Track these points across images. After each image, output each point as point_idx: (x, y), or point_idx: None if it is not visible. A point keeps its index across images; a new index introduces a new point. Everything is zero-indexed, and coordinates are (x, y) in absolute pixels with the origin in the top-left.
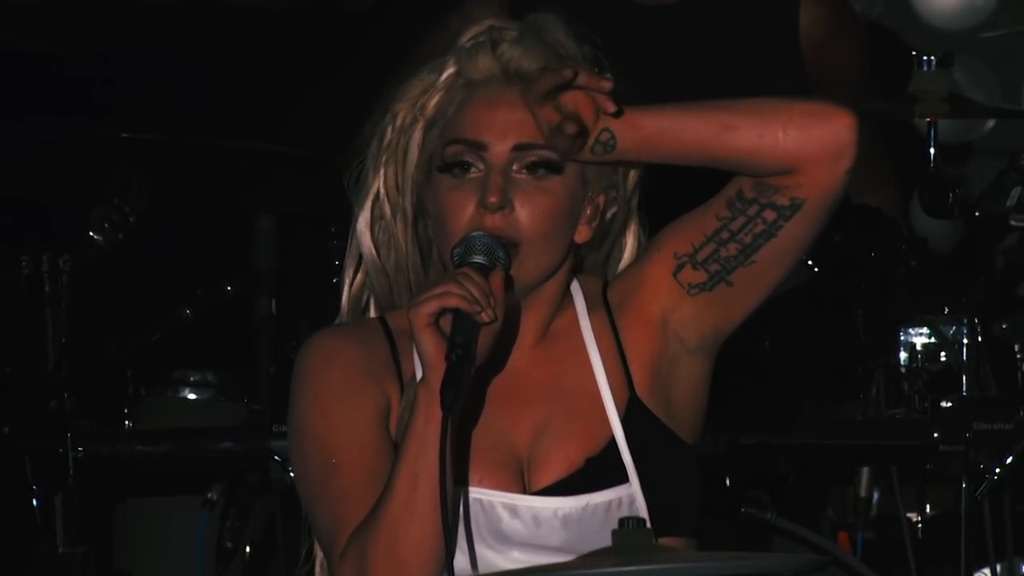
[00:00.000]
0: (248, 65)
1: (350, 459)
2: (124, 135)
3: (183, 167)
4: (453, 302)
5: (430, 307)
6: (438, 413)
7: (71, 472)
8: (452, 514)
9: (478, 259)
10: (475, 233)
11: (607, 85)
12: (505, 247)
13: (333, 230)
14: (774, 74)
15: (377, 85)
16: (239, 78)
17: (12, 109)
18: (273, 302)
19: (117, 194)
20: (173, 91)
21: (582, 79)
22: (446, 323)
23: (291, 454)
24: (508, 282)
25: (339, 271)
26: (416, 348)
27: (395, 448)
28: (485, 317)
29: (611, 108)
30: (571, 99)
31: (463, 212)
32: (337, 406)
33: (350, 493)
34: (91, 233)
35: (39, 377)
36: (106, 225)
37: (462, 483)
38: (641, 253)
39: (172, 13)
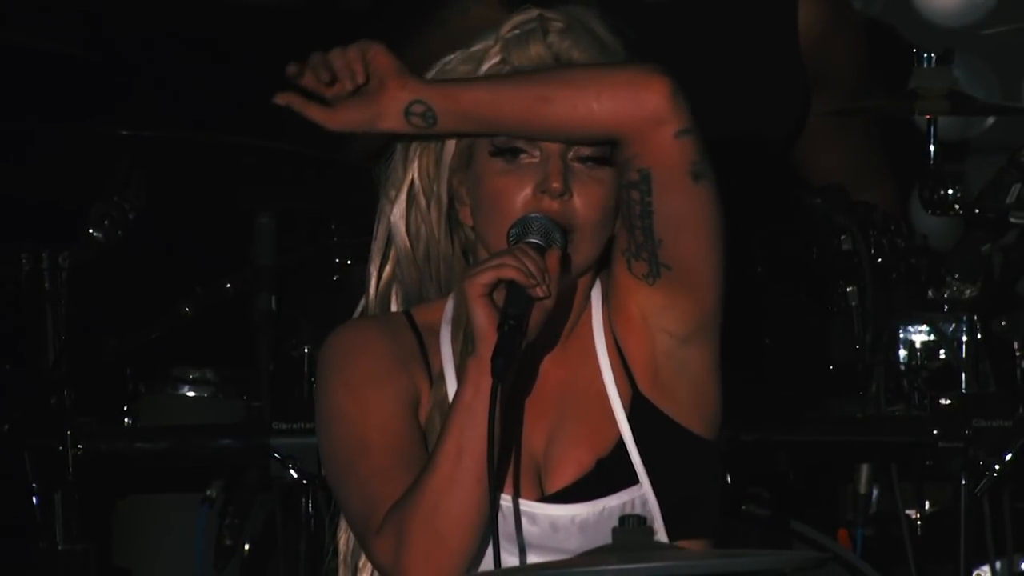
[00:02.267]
0: (248, 61)
1: (381, 440)
2: (123, 132)
3: (182, 164)
4: (509, 273)
5: (486, 277)
6: (487, 385)
7: (70, 469)
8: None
9: (534, 239)
10: (532, 214)
11: (310, 82)
12: (562, 230)
13: (333, 227)
14: (772, 71)
15: None
16: (239, 74)
17: (11, 107)
18: (273, 299)
19: (116, 191)
20: (172, 87)
21: (308, 71)
22: (500, 298)
23: (320, 440)
24: (565, 264)
25: (340, 268)
26: (469, 319)
27: (424, 440)
28: (540, 292)
29: (348, 87)
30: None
31: (518, 195)
32: (367, 390)
33: (382, 471)
34: (91, 230)
35: (38, 374)
36: (106, 222)
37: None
38: None
39: (170, 9)
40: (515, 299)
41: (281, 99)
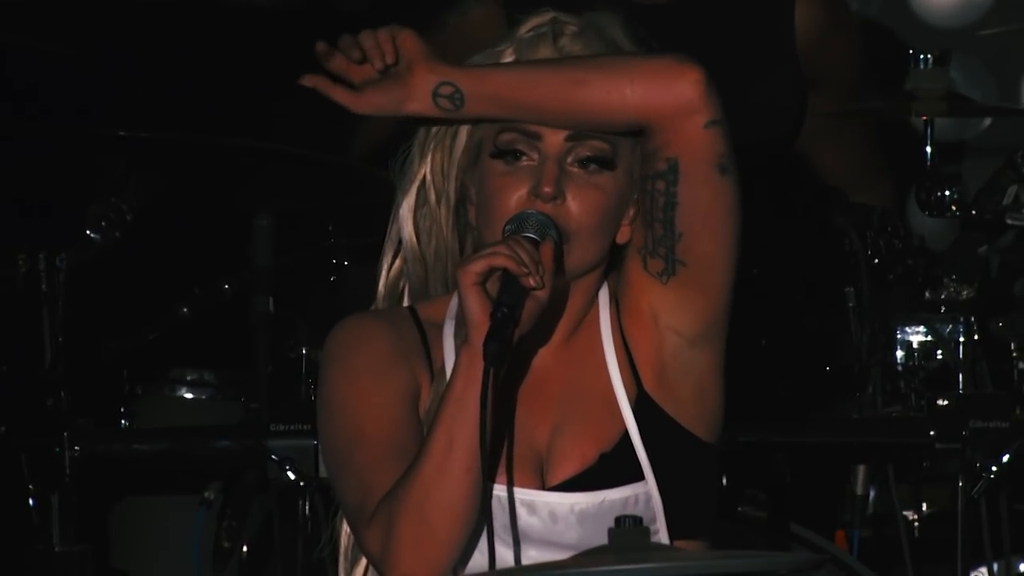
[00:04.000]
0: (245, 62)
1: (379, 431)
2: (121, 133)
3: (180, 165)
4: (501, 261)
5: (478, 266)
6: (478, 373)
7: (67, 471)
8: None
9: (529, 233)
10: (528, 211)
11: (356, 54)
12: (557, 228)
13: (331, 228)
14: (769, 73)
15: None
16: (236, 76)
17: (8, 108)
18: (271, 300)
19: (114, 192)
20: (170, 89)
21: (341, 47)
22: (494, 289)
23: (319, 429)
24: (559, 258)
25: (337, 269)
26: (461, 308)
27: (422, 433)
28: (532, 281)
29: (377, 67)
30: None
31: (513, 196)
32: (367, 380)
33: (378, 462)
34: (88, 232)
35: (36, 376)
36: (103, 224)
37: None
38: None
39: (168, 11)
40: (508, 288)
41: (308, 81)
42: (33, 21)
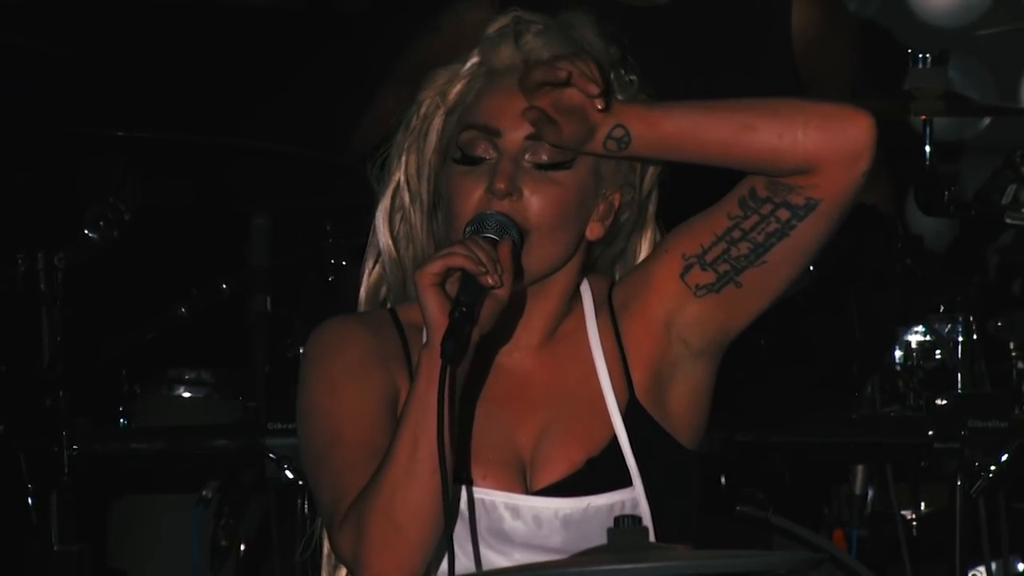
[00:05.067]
0: (244, 63)
1: (355, 434)
2: (119, 133)
3: (178, 165)
4: (457, 261)
5: (435, 267)
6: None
7: (66, 470)
8: (453, 502)
9: (488, 234)
10: (488, 212)
11: (594, 89)
12: (517, 227)
13: (328, 228)
14: (767, 74)
15: (370, 82)
16: (236, 76)
17: (5, 107)
18: (268, 300)
19: (112, 192)
20: (169, 89)
21: (576, 79)
22: (453, 289)
23: (298, 432)
24: (518, 257)
25: (335, 269)
26: (420, 310)
27: None
28: (490, 280)
29: (599, 106)
30: (574, 95)
31: (471, 196)
32: (345, 384)
33: (353, 465)
34: (86, 231)
35: (34, 375)
36: (101, 223)
37: (465, 482)
38: (648, 255)
39: (168, 11)
40: (466, 288)
41: (531, 114)
42: (33, 21)
